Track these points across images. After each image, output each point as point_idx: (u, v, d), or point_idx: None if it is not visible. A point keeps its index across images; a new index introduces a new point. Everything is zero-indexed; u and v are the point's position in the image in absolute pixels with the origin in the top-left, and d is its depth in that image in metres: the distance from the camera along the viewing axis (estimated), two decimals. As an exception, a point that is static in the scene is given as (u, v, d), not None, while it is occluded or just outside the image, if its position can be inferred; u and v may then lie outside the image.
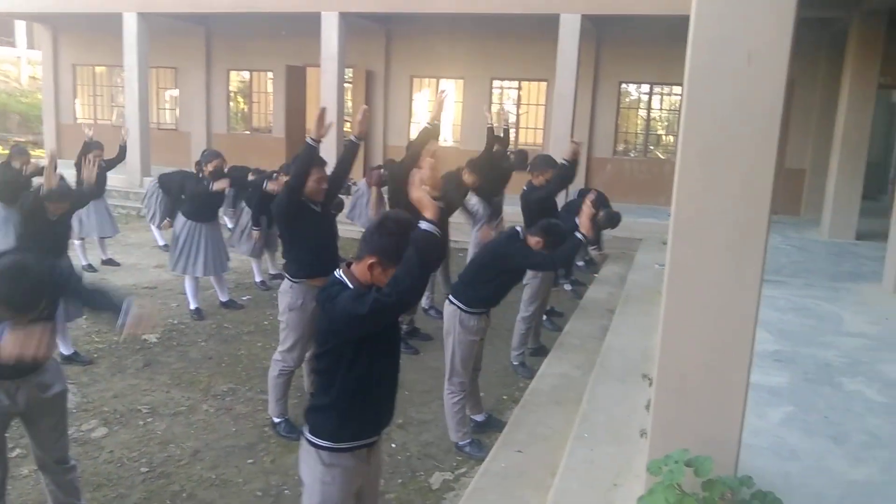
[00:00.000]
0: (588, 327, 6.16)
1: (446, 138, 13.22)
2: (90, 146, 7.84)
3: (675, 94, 12.51)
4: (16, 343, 2.49)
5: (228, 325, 6.49)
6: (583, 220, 4.20)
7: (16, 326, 2.55)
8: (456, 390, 4.20)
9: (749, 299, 2.50)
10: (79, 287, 2.98)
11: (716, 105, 2.45)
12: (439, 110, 5.28)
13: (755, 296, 2.50)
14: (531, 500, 3.42)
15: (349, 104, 13.79)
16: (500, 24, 12.30)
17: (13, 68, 25.65)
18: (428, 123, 5.26)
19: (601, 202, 6.30)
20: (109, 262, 8.47)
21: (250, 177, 7.70)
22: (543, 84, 12.82)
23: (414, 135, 13.58)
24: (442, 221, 2.28)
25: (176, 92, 15.58)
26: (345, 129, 11.73)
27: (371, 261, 2.32)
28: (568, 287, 7.83)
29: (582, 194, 7.14)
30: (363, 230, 9.34)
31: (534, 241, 4.27)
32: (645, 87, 12.95)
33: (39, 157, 15.84)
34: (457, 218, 6.56)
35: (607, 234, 8.33)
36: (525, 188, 6.12)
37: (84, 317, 5.63)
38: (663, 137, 13.33)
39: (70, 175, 7.75)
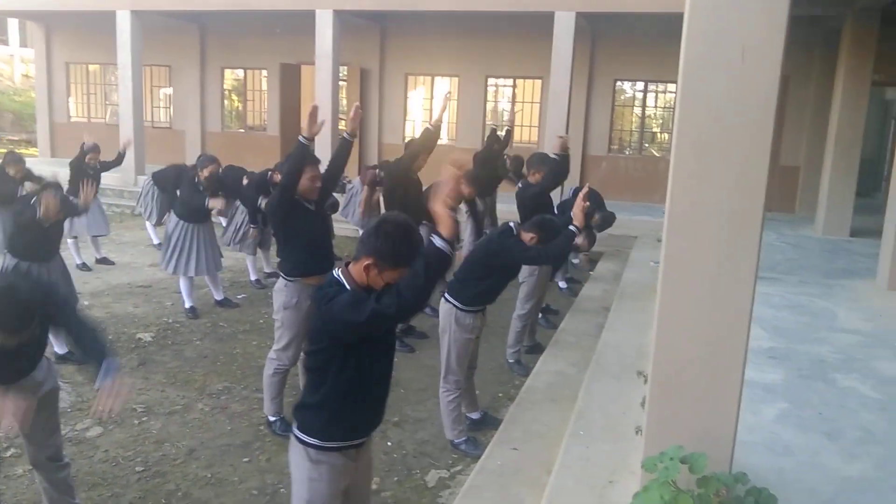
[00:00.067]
0: (583, 325, 6.17)
1: (440, 137, 13.20)
2: (87, 149, 7.96)
3: (670, 92, 12.52)
4: None
5: (223, 323, 6.47)
6: (576, 213, 4.20)
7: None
8: (451, 388, 4.20)
9: (744, 294, 2.51)
10: (70, 318, 2.95)
11: (710, 98, 2.45)
12: (442, 113, 5.27)
13: (750, 290, 2.50)
14: (527, 498, 3.42)
15: (344, 102, 13.76)
16: (495, 22, 12.29)
17: (6, 66, 25.53)
18: (429, 125, 5.27)
19: (595, 201, 6.30)
20: (104, 260, 8.45)
21: (245, 180, 7.64)
22: (538, 82, 12.82)
23: (408, 132, 13.65)
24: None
25: (170, 90, 15.52)
26: (340, 126, 11.70)
27: (367, 262, 2.29)
28: (563, 285, 7.84)
29: (576, 193, 7.13)
30: (356, 228, 9.33)
31: (528, 236, 4.27)
32: (640, 85, 12.95)
33: (33, 155, 15.81)
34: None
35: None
36: (520, 185, 6.14)
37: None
38: (658, 135, 13.34)
39: (64, 174, 7.76)
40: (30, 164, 7.85)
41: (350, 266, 2.37)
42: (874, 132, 14.12)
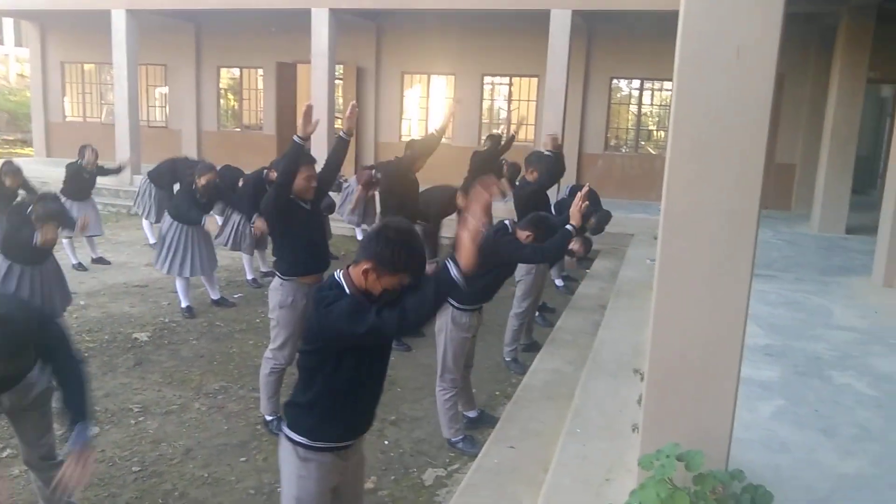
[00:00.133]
0: (580, 323, 6.17)
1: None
2: (85, 163, 8.05)
3: (666, 90, 12.53)
4: None
5: (220, 323, 6.46)
6: (574, 213, 4.20)
7: None
8: (448, 387, 4.20)
9: (740, 291, 2.51)
10: (62, 358, 2.84)
11: (706, 97, 2.45)
12: (448, 120, 5.32)
13: (746, 288, 2.51)
14: (524, 496, 3.43)
15: (340, 101, 13.76)
16: (491, 20, 12.29)
17: (1, 66, 25.47)
18: (435, 130, 5.38)
19: (592, 200, 6.30)
20: (100, 260, 8.44)
21: (241, 183, 7.61)
22: (534, 80, 12.82)
23: (405, 131, 13.66)
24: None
25: (166, 89, 15.49)
26: (336, 125, 11.70)
27: (366, 266, 2.27)
28: (559, 283, 7.84)
29: (573, 191, 7.15)
30: (350, 227, 9.32)
31: (524, 234, 4.26)
32: (636, 83, 12.96)
33: (28, 154, 15.77)
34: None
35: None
36: (518, 183, 6.16)
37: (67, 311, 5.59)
38: (654, 133, 13.36)
39: (59, 174, 7.74)
40: (25, 163, 7.81)
41: (350, 268, 2.36)
42: (870, 129, 14.15)
